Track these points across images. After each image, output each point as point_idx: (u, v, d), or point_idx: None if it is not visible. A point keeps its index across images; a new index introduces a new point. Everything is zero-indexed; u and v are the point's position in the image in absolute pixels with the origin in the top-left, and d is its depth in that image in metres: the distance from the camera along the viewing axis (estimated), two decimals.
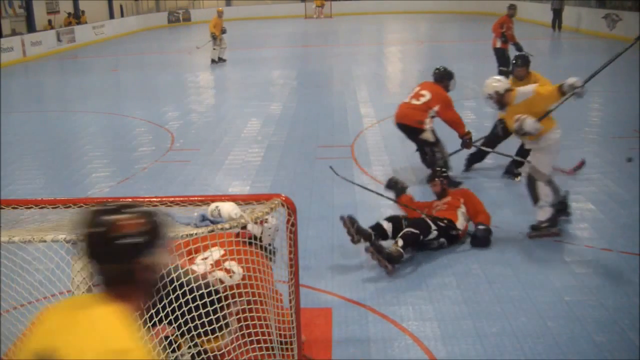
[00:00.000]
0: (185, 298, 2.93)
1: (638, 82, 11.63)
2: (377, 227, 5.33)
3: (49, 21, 25.98)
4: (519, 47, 11.78)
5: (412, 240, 5.13)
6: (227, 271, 3.35)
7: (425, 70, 14.99)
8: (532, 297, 4.52)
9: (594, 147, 8.27)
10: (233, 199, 3.14)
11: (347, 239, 5.60)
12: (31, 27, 24.23)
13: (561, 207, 5.75)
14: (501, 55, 11.94)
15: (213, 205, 3.01)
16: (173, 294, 2.93)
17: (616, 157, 7.72)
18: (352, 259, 5.26)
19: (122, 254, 1.57)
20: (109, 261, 1.57)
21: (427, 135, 6.78)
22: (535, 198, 5.54)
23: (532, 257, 5.16)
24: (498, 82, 5.55)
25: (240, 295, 3.27)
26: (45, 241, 2.70)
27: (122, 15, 32.16)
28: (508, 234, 5.55)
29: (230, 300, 3.24)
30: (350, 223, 5.21)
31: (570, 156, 7.89)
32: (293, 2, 36.01)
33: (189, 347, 3.19)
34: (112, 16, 30.87)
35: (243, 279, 3.29)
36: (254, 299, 3.28)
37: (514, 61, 6.86)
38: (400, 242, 5.10)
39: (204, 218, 2.90)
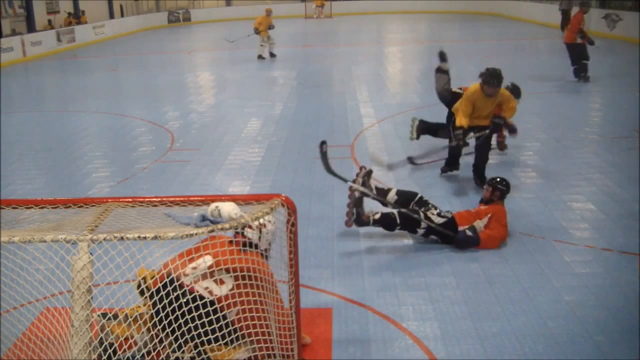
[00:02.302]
0: (172, 306, 3.05)
1: (638, 82, 11.64)
2: (383, 192, 5.55)
3: (49, 21, 25.98)
4: (591, 42, 12.37)
5: (386, 223, 5.41)
6: (217, 282, 3.37)
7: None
8: (532, 297, 4.52)
9: (594, 147, 8.28)
10: (233, 199, 3.14)
11: (347, 239, 5.62)
12: (31, 27, 24.22)
13: None
14: (582, 50, 12.41)
15: (213, 205, 3.01)
16: (169, 304, 3.05)
17: (616, 157, 7.73)
18: (352, 259, 5.26)
19: None
20: None
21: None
22: None
23: (532, 257, 5.16)
24: None
25: (235, 304, 3.29)
26: (45, 241, 2.70)
27: (122, 15, 32.17)
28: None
29: (226, 311, 3.27)
30: (363, 173, 5.50)
31: (569, 156, 7.92)
32: (293, 2, 36.00)
33: (196, 353, 3.24)
34: (112, 16, 30.88)
35: (234, 288, 3.30)
36: (250, 307, 3.28)
37: (488, 78, 6.35)
38: (377, 216, 5.41)
39: (204, 218, 2.89)
